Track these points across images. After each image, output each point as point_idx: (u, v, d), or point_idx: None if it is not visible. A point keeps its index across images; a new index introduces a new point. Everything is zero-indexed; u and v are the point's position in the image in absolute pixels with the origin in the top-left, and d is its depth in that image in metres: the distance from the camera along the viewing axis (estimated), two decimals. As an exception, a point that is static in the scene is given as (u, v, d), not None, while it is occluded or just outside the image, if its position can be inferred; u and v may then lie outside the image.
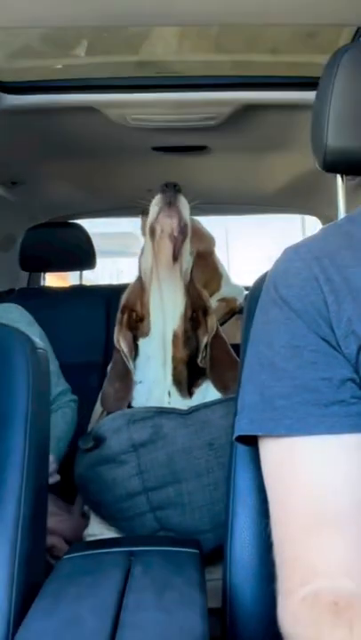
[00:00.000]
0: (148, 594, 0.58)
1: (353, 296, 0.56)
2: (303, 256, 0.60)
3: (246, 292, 1.94)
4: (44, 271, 2.14)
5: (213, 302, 1.58)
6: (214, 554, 0.85)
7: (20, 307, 1.43)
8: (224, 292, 1.74)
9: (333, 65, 0.78)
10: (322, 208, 2.38)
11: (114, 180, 2.15)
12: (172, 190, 1.11)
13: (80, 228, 2.01)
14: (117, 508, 1.06)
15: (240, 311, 1.73)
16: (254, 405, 0.58)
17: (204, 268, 1.62)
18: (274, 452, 0.57)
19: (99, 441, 1.09)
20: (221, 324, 1.55)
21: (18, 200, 2.10)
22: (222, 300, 1.70)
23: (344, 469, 0.53)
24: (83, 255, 2.02)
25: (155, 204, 1.12)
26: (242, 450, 0.67)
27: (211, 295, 1.59)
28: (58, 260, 2.00)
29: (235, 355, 1.18)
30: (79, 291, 2.03)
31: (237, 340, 1.89)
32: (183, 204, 1.12)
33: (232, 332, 1.78)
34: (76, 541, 1.19)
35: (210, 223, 1.93)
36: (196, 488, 1.03)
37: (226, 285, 1.79)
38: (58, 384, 1.43)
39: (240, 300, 1.80)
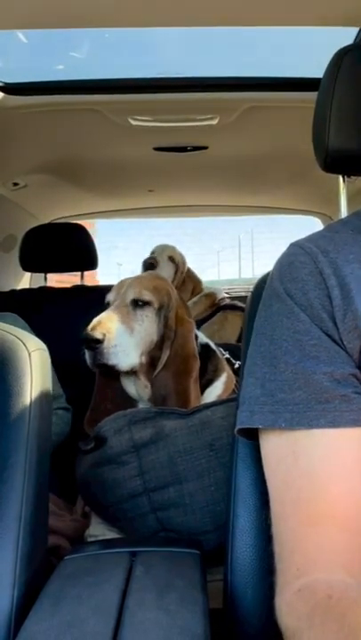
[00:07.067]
0: (150, 594, 0.58)
1: (359, 290, 0.56)
2: (308, 250, 0.60)
3: (226, 290, 2.28)
4: (46, 272, 2.14)
5: (197, 298, 2.38)
6: (216, 554, 0.85)
7: (15, 315, 1.46)
8: (205, 290, 2.42)
9: (335, 66, 0.78)
10: (323, 209, 2.38)
11: (115, 181, 2.15)
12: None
13: (82, 229, 2.01)
14: (119, 508, 1.06)
15: (224, 307, 2.32)
16: (255, 398, 0.58)
17: (190, 282, 2.40)
18: (274, 446, 0.57)
19: (100, 441, 1.09)
20: (208, 318, 2.29)
21: (19, 201, 2.10)
22: (204, 295, 2.38)
23: (344, 463, 0.52)
24: (84, 255, 2.02)
25: None
26: (243, 450, 0.67)
27: (196, 294, 2.38)
28: (59, 260, 2.00)
29: None
30: (80, 291, 2.02)
31: (227, 340, 2.02)
32: None
33: (224, 329, 2.23)
34: (78, 542, 1.18)
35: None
36: (198, 488, 1.03)
37: (205, 288, 2.47)
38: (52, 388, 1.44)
39: (219, 296, 2.40)
